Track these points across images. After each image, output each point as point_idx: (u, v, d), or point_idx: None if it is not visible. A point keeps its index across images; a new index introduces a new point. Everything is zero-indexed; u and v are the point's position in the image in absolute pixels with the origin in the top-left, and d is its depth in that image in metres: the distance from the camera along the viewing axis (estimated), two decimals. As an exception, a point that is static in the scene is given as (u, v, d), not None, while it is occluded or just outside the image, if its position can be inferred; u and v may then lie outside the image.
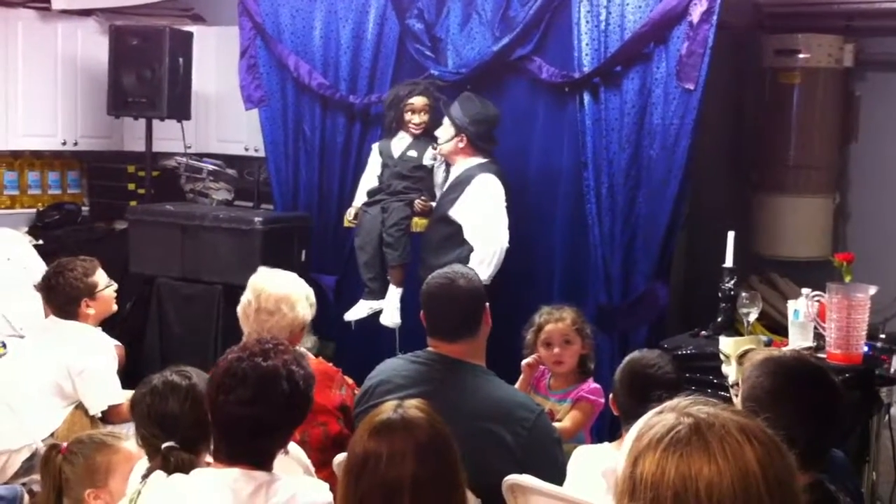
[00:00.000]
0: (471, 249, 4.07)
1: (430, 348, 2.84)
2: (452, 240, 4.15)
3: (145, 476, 2.33)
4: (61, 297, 3.76)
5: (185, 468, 2.28)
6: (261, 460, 2.12)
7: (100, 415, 3.61)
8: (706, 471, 1.15)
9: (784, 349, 3.32)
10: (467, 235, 4.10)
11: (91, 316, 3.79)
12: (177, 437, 2.36)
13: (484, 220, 4.08)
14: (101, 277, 3.84)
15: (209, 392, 2.17)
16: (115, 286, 3.92)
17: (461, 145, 4.19)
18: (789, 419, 1.78)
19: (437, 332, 2.82)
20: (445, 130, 4.21)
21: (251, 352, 2.16)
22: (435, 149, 4.31)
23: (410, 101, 4.39)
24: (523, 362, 3.36)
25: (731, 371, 3.09)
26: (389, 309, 4.39)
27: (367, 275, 4.43)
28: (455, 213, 4.16)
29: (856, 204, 4.89)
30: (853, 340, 3.44)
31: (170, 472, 2.29)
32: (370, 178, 4.57)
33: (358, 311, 4.47)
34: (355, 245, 4.48)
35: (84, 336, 3.73)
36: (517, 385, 3.27)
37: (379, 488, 1.91)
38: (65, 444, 2.48)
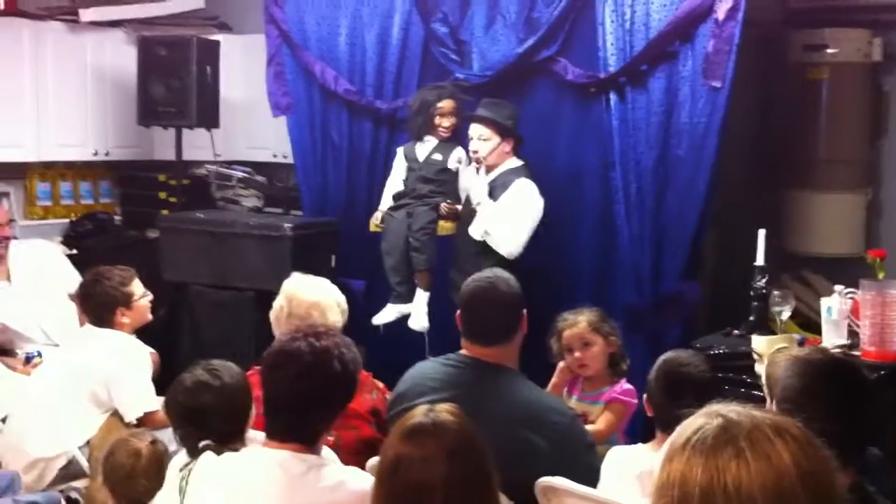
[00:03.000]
0: (521, 258, 4.04)
1: (462, 351, 2.85)
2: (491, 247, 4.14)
3: (185, 467, 2.39)
4: (97, 305, 3.80)
5: None
6: (310, 438, 2.22)
7: (135, 422, 3.65)
8: (734, 466, 1.14)
9: (813, 347, 3.29)
10: (484, 217, 4.08)
11: (126, 325, 3.83)
12: (212, 434, 2.42)
13: (511, 220, 4.05)
14: (137, 287, 3.88)
15: (263, 371, 2.27)
16: (150, 296, 3.96)
17: (507, 149, 4.18)
18: (823, 418, 1.77)
19: (473, 335, 2.82)
20: (486, 141, 4.14)
21: (305, 333, 2.28)
22: (480, 162, 4.19)
23: (439, 105, 4.40)
24: (559, 365, 3.36)
25: (764, 370, 3.07)
26: (417, 313, 4.40)
27: (394, 279, 4.45)
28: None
29: (888, 199, 4.83)
30: (887, 337, 3.41)
31: None
32: (395, 182, 4.58)
33: (386, 315, 4.49)
34: (382, 250, 4.50)
35: (119, 343, 3.77)
36: (549, 387, 3.28)
37: (411, 492, 1.92)
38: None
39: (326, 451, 2.51)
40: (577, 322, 3.29)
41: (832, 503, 1.18)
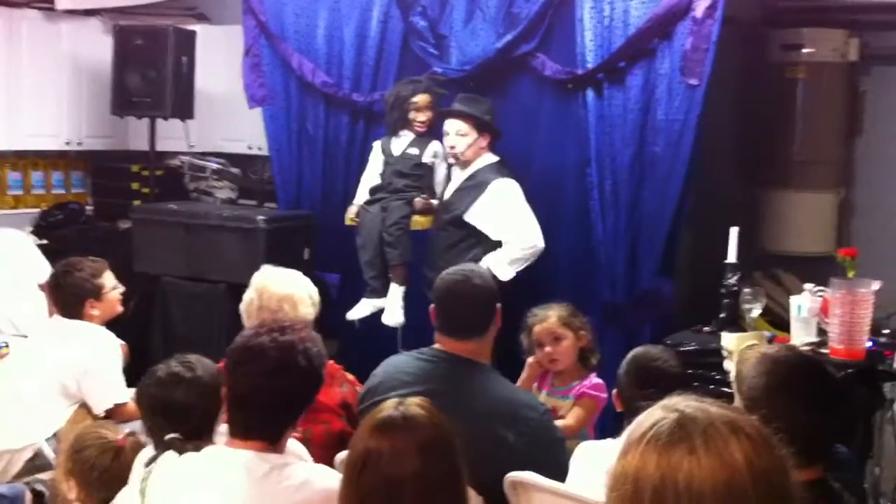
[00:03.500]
0: (484, 253, 4.05)
1: (436, 345, 2.84)
2: (465, 242, 4.13)
3: (150, 461, 2.35)
4: (67, 297, 3.75)
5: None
6: (274, 436, 2.17)
7: (103, 414, 3.61)
8: (686, 464, 1.13)
9: (782, 344, 3.31)
10: (497, 236, 4.07)
11: (96, 317, 3.78)
12: (181, 428, 2.38)
13: (519, 222, 4.06)
14: (108, 279, 3.83)
15: (227, 366, 2.22)
16: (121, 289, 3.92)
17: (483, 144, 4.17)
18: (788, 415, 1.77)
19: (447, 329, 2.81)
20: (464, 136, 4.14)
21: (269, 328, 2.22)
22: (457, 160, 4.21)
23: (414, 99, 4.38)
24: (528, 360, 3.36)
25: (733, 367, 3.08)
26: (392, 308, 4.39)
27: (368, 273, 4.43)
28: (472, 216, 4.13)
29: (860, 199, 4.87)
30: (856, 336, 3.43)
31: None
32: (372, 175, 4.57)
33: (361, 310, 4.48)
34: (357, 244, 4.48)
35: (89, 335, 3.73)
36: (519, 381, 3.28)
37: (380, 486, 1.90)
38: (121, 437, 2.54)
39: (296, 446, 2.49)
40: (548, 317, 3.30)
41: (786, 503, 1.17)
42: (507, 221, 4.08)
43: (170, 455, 2.31)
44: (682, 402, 1.21)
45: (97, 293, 3.77)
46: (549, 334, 3.28)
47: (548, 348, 3.27)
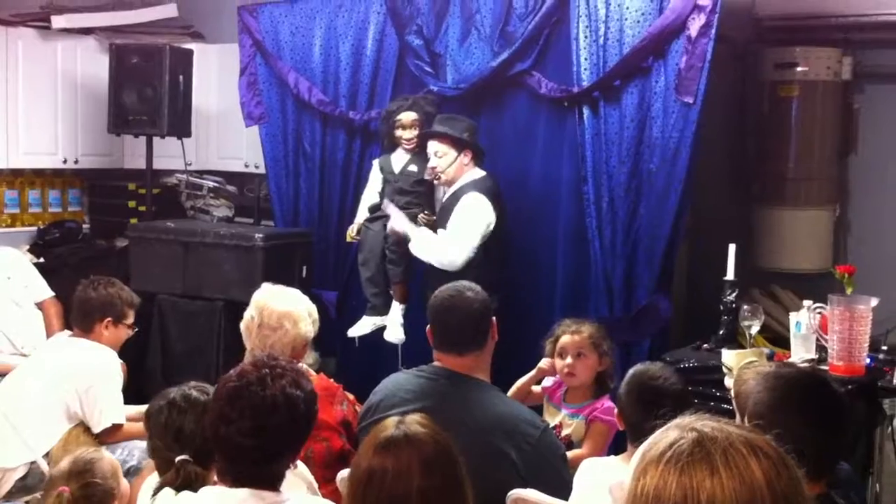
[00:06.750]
0: (478, 273, 4.04)
1: (435, 362, 2.84)
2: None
3: (157, 491, 2.33)
4: (94, 304, 3.74)
5: (197, 482, 2.30)
6: (268, 482, 2.12)
7: (98, 433, 3.58)
8: (708, 484, 1.13)
9: (781, 362, 3.32)
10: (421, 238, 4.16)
11: (103, 338, 3.76)
12: (190, 451, 2.36)
13: (454, 230, 4.08)
14: (132, 315, 3.86)
15: (210, 421, 2.15)
16: (135, 330, 3.93)
17: (466, 161, 4.18)
18: (795, 432, 1.77)
19: (444, 346, 2.82)
20: (446, 157, 4.15)
21: (248, 380, 2.12)
22: (439, 180, 4.24)
23: (399, 117, 4.40)
24: (540, 363, 3.37)
25: (732, 386, 3.09)
26: (393, 325, 4.38)
27: (370, 290, 4.43)
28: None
29: (856, 216, 4.89)
30: (855, 352, 3.44)
31: (180, 485, 2.29)
32: (371, 193, 4.57)
33: (362, 327, 4.47)
34: (358, 261, 4.48)
35: (95, 352, 3.70)
36: (521, 381, 3.32)
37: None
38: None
39: (298, 465, 2.48)
40: (580, 331, 3.31)
41: None
42: (453, 225, 4.10)
43: (168, 493, 2.28)
44: (698, 422, 1.21)
45: (120, 317, 3.77)
46: (575, 348, 3.28)
47: (569, 360, 3.28)
